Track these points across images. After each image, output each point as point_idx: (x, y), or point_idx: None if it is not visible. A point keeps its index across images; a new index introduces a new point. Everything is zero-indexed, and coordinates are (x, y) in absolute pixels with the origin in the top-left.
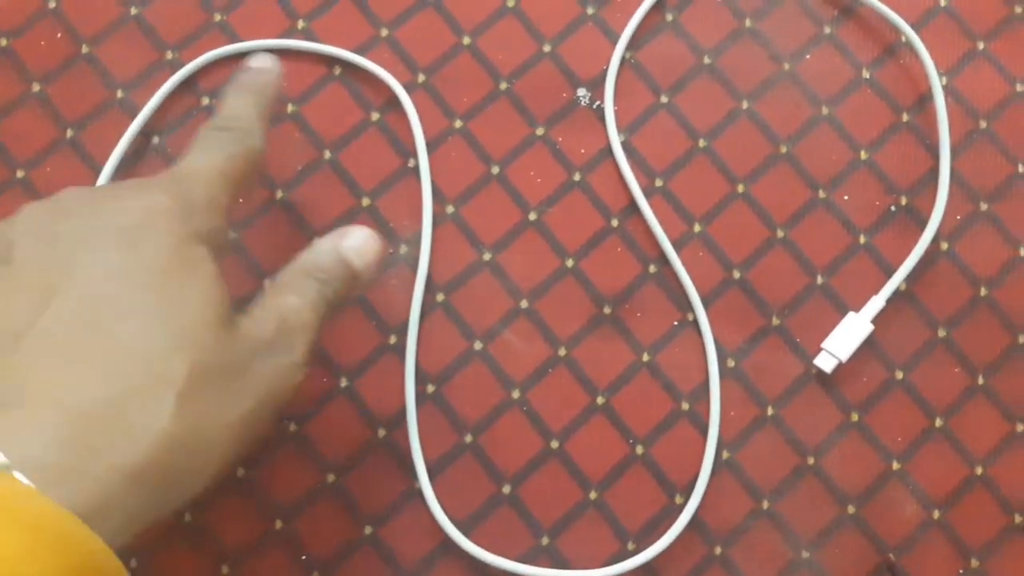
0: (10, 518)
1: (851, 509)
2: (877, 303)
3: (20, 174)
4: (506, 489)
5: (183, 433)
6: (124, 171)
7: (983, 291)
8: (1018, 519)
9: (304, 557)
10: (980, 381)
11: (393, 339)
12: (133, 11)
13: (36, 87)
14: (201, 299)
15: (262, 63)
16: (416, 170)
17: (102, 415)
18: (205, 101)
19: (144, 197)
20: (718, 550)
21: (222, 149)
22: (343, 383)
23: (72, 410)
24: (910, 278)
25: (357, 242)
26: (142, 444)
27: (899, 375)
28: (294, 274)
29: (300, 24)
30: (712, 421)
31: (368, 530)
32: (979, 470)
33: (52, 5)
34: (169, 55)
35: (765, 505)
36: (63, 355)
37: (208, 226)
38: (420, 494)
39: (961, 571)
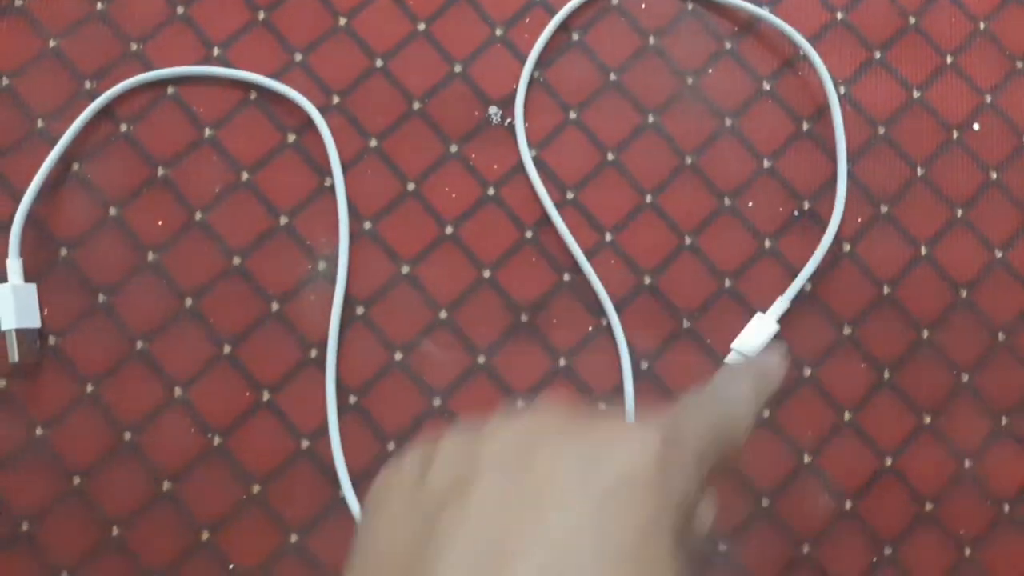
0: None
1: (765, 503)
2: (783, 303)
3: None
4: None
5: None
6: (45, 199)
7: (886, 289)
8: (928, 507)
9: (232, 567)
10: (886, 376)
11: (314, 352)
12: (52, 43)
13: None
14: None
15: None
16: (332, 189)
17: None
18: (124, 128)
19: (634, 452)
20: None
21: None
22: (265, 396)
23: None
24: (814, 279)
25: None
26: None
27: (807, 372)
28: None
29: (216, 51)
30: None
31: (294, 538)
32: (888, 461)
33: None
34: (88, 84)
35: None
36: None
37: (689, 502)
38: (344, 503)
39: (875, 560)
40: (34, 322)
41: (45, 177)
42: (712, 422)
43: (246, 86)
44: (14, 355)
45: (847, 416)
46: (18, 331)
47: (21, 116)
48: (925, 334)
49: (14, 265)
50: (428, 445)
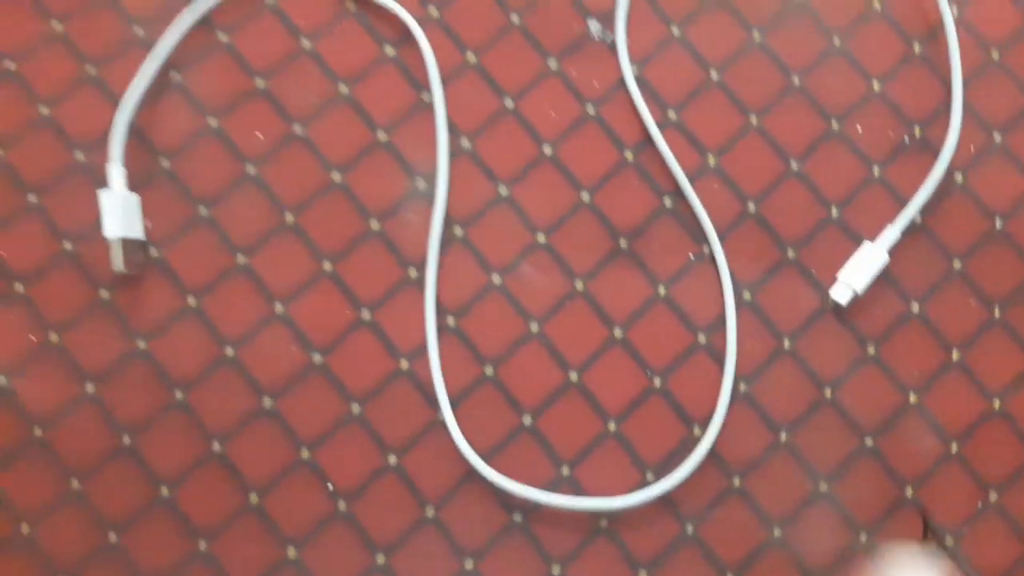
0: None
1: (868, 442)
2: (892, 233)
3: (44, 111)
4: (527, 420)
5: None
6: (146, 106)
7: (998, 223)
8: None
9: (330, 486)
10: (996, 314)
11: (413, 272)
12: None
13: (57, 26)
14: None
15: None
16: (431, 105)
17: None
18: (223, 38)
19: None
20: (736, 482)
21: None
22: (365, 315)
23: None
24: (924, 210)
25: None
26: None
27: (915, 308)
28: None
29: None
30: (729, 353)
31: (392, 459)
32: (996, 404)
33: None
34: None
35: (783, 438)
36: None
37: None
38: (443, 424)
39: (980, 504)
40: (138, 232)
41: (145, 86)
42: None
43: None
44: (119, 264)
45: (955, 355)
46: (123, 240)
47: (122, 22)
48: None
49: (116, 171)
50: None
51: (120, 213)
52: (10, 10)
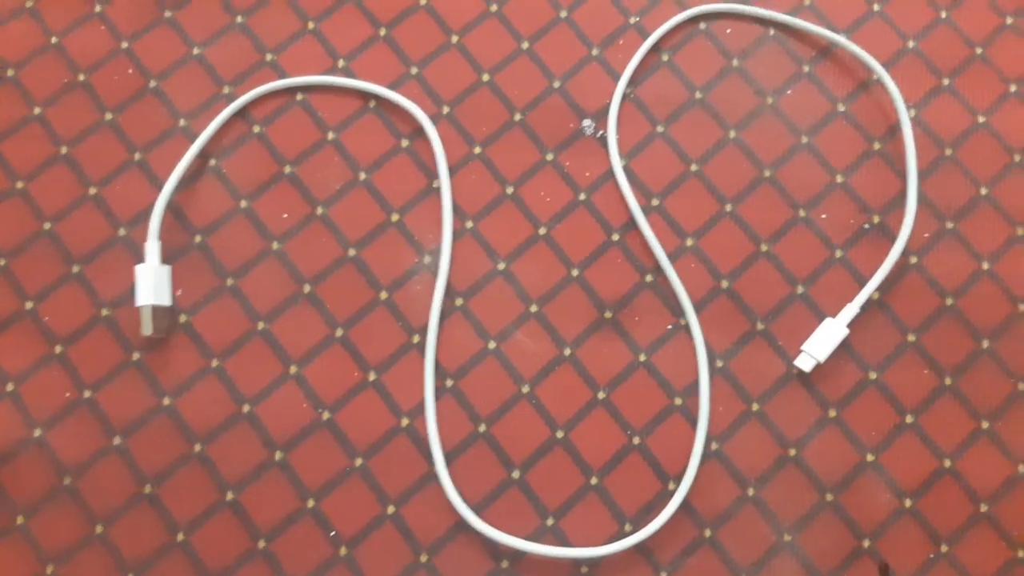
0: None
1: (829, 497)
2: (852, 309)
3: (92, 191)
4: (515, 474)
5: None
6: (184, 190)
7: (949, 301)
8: (984, 507)
9: (333, 533)
10: (947, 382)
11: (416, 338)
12: (195, 51)
13: (108, 116)
14: None
15: None
16: (439, 190)
17: None
18: (256, 129)
19: None
20: (707, 532)
21: None
22: (371, 376)
23: None
24: (882, 288)
25: None
26: None
27: (873, 375)
28: None
29: (340, 63)
30: (702, 415)
31: (391, 509)
32: (947, 463)
33: (124, 45)
34: (226, 89)
35: (751, 492)
36: None
37: None
38: (437, 478)
39: (931, 555)
40: (166, 300)
41: (184, 170)
42: None
43: (366, 95)
44: (148, 328)
45: (909, 419)
46: (152, 307)
47: (167, 115)
48: (985, 344)
49: (152, 247)
50: None
51: (152, 284)
52: (69, 102)
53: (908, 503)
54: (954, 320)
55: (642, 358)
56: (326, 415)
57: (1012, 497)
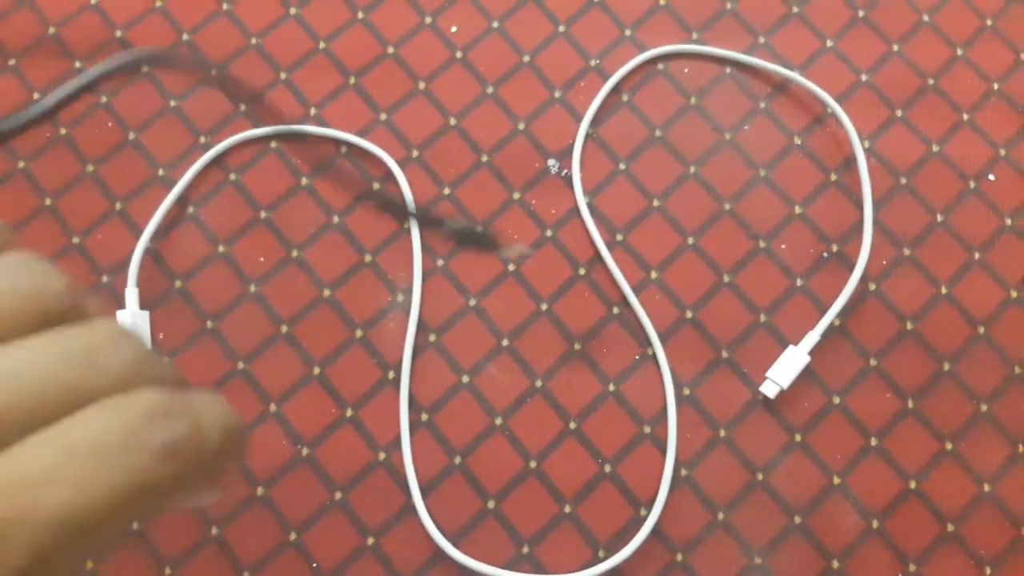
0: None
1: (797, 520)
2: (813, 337)
3: (76, 240)
4: (491, 504)
5: None
6: (163, 237)
7: (909, 325)
8: (950, 527)
9: (315, 565)
10: (910, 404)
11: (391, 374)
12: (172, 103)
13: (90, 168)
14: None
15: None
16: (410, 231)
17: None
18: (232, 177)
19: None
20: (679, 557)
21: None
22: (348, 413)
23: None
24: (843, 314)
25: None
26: None
27: (836, 400)
28: None
29: (312, 111)
30: (670, 442)
31: (370, 541)
32: (912, 484)
33: (104, 100)
34: (202, 139)
35: (720, 516)
36: None
37: None
38: (414, 509)
39: (900, 575)
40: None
41: (162, 218)
42: None
43: (338, 142)
44: None
45: (874, 441)
46: None
47: (145, 165)
48: (946, 366)
49: (131, 294)
50: None
51: (130, 329)
52: (52, 155)
53: (875, 524)
54: (914, 344)
55: (611, 388)
56: (305, 451)
57: (977, 516)
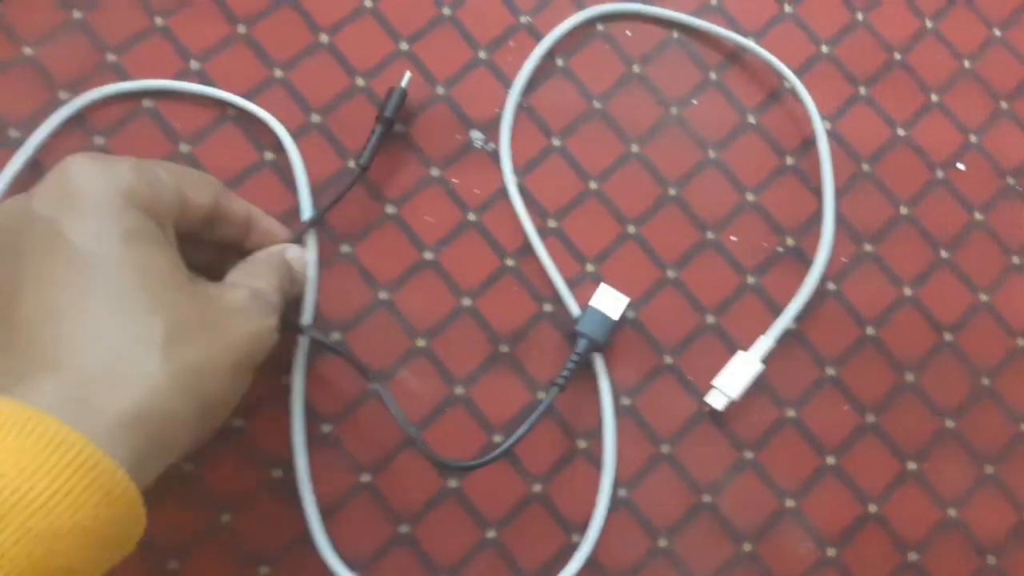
0: (36, 438)
1: (747, 547)
2: (766, 342)
3: None
4: (403, 529)
5: (173, 379)
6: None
7: (870, 330)
8: (912, 557)
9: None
10: (870, 419)
11: (283, 379)
12: (27, 51)
13: None
14: (160, 265)
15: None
16: (317, 221)
17: (98, 374)
18: (99, 141)
19: (109, 172)
20: None
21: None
22: (237, 423)
23: (70, 373)
24: (798, 317)
25: (296, 253)
26: (136, 392)
27: (790, 413)
28: (257, 264)
29: (193, 64)
30: (607, 459)
31: (264, 571)
32: (872, 508)
33: None
34: (62, 95)
35: (662, 543)
36: (53, 331)
37: (166, 209)
38: (309, 537)
39: None
40: None
41: (11, 182)
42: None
43: (223, 104)
44: None
45: (830, 460)
46: None
47: None
48: (909, 377)
49: None
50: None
51: None
52: None
53: (831, 552)
54: (875, 351)
55: (540, 396)
56: (188, 467)
57: (942, 544)
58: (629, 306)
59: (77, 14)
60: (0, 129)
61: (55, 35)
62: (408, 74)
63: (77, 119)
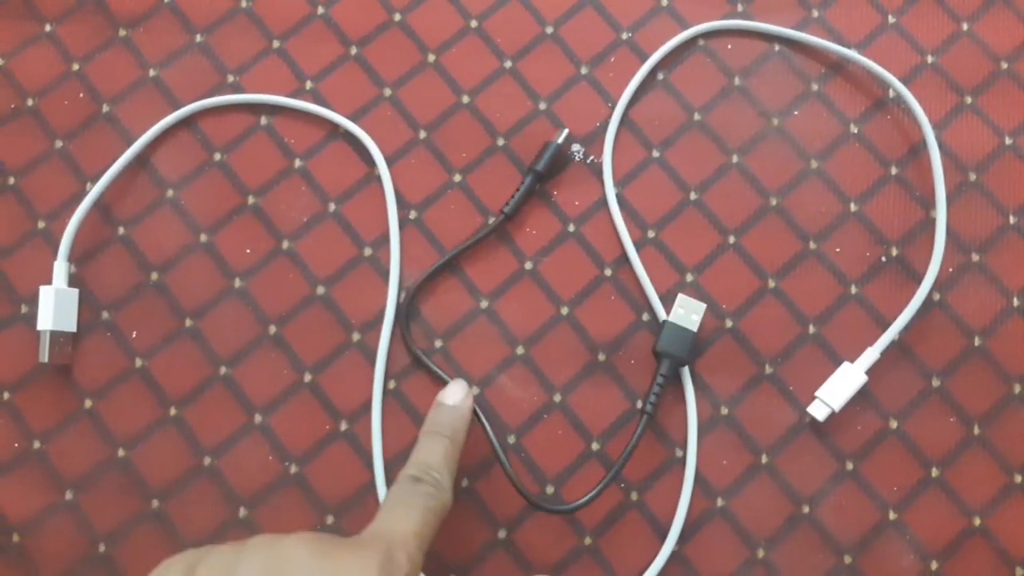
0: None
1: (847, 559)
2: (872, 354)
3: (42, 225)
4: (501, 534)
5: None
6: (140, 222)
7: (977, 341)
8: (1019, 572)
9: None
10: (976, 431)
11: (392, 384)
12: (151, 73)
13: (59, 143)
14: None
15: (455, 398)
16: (417, 221)
17: None
18: (217, 157)
19: (358, 558)
20: None
21: (418, 508)
22: (343, 426)
23: None
24: (903, 328)
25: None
26: None
27: (893, 424)
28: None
29: (308, 85)
30: (688, 468)
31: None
32: (977, 521)
33: (76, 67)
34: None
35: (760, 554)
36: None
37: None
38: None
39: None
40: (71, 326)
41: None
42: (420, 508)
43: (332, 124)
44: (45, 356)
45: (935, 472)
46: (52, 333)
47: (118, 140)
48: (1017, 388)
49: (60, 268)
50: (194, 553)
51: (54, 307)
52: (17, 127)
53: (935, 566)
54: (982, 362)
55: (638, 405)
56: (293, 469)
57: None
58: (728, 315)
59: (199, 37)
60: (125, 146)
61: (178, 56)
62: (566, 130)
63: (200, 141)
